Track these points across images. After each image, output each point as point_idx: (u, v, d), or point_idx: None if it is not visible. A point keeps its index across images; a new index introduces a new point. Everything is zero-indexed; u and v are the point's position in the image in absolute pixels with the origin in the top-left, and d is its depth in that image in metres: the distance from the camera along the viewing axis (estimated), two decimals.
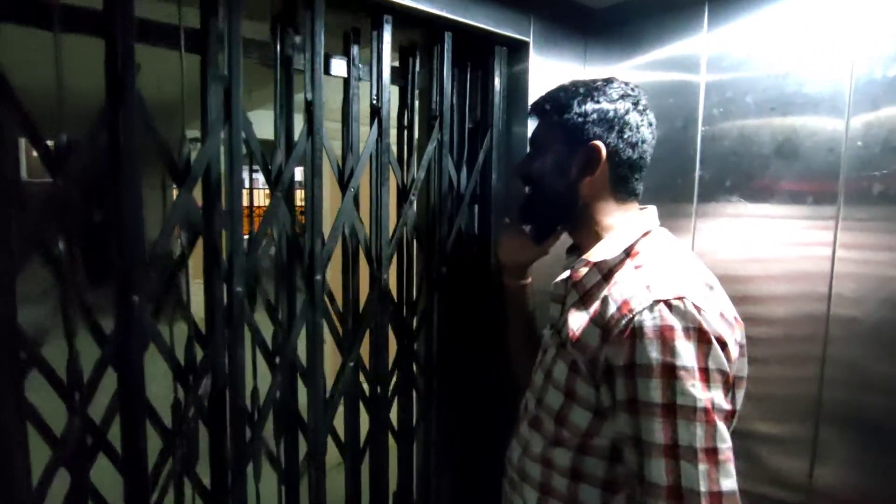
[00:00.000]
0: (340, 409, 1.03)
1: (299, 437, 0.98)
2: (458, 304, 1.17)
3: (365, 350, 1.04)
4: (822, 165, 0.89)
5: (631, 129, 0.77)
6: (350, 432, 1.05)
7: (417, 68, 1.09)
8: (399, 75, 1.09)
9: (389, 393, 1.08)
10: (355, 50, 0.99)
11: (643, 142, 0.79)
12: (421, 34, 1.08)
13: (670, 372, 0.62)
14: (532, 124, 0.89)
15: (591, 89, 0.79)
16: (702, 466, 0.60)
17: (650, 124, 0.80)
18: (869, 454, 0.85)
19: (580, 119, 0.77)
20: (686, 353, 0.62)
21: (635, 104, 0.78)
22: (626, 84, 0.80)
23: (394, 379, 1.10)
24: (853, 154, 0.85)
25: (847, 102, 0.86)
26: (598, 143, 0.76)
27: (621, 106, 0.77)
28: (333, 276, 0.95)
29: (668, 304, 0.63)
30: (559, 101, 0.81)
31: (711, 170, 1.02)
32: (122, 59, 0.71)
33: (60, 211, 0.70)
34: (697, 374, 0.62)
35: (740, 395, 0.75)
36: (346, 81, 0.99)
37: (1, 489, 0.68)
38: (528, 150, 0.88)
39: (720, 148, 1.01)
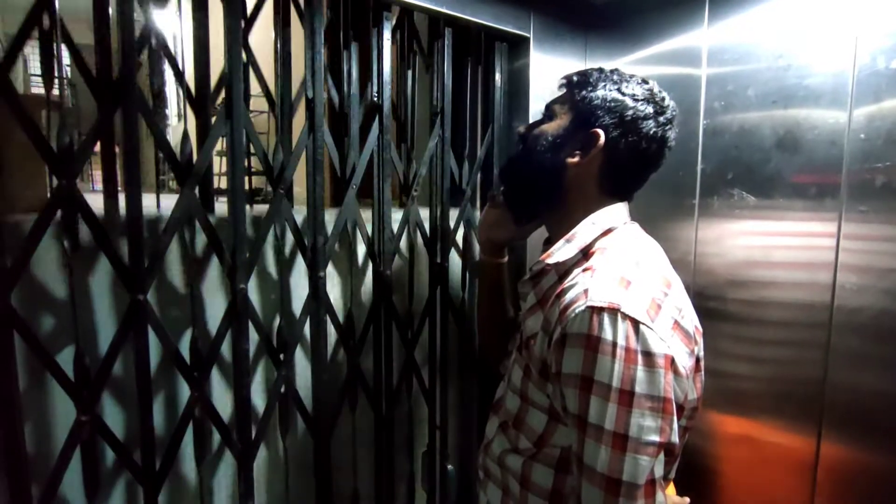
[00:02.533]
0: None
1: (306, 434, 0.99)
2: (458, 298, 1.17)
3: (368, 346, 1.05)
4: (824, 158, 0.88)
5: (639, 135, 0.73)
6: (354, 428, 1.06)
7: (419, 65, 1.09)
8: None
9: (394, 388, 1.09)
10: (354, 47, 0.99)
11: (648, 153, 0.74)
12: (421, 30, 1.08)
13: (586, 385, 0.58)
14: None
15: (621, 81, 0.75)
16: (598, 492, 0.57)
17: (665, 140, 0.75)
18: (873, 439, 0.85)
19: (595, 102, 0.74)
20: (606, 369, 0.57)
21: (657, 113, 0.74)
22: (659, 93, 0.76)
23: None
24: (856, 147, 0.85)
25: (850, 94, 0.86)
26: (599, 130, 0.72)
27: (641, 108, 0.73)
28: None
29: (600, 311, 0.59)
30: (587, 78, 0.77)
31: (713, 163, 1.02)
32: (123, 58, 0.72)
33: (65, 211, 0.71)
34: (615, 395, 0.57)
35: (690, 422, 0.70)
36: (347, 78, 0.99)
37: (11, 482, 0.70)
38: (543, 118, 0.82)
39: (722, 141, 1.01)
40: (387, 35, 0.97)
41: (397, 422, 1.10)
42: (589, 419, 0.58)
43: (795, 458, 0.93)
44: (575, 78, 0.78)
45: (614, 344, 0.58)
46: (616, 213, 0.75)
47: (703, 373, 0.72)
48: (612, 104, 0.73)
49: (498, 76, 1.16)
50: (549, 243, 0.83)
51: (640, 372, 0.57)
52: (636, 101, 0.73)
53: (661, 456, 0.58)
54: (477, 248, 1.19)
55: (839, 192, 0.87)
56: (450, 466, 1.22)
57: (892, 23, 0.81)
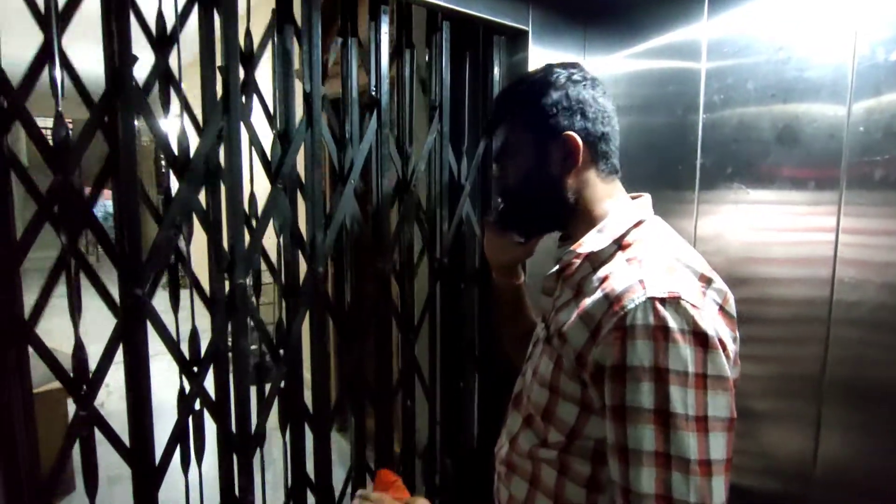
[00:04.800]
0: None
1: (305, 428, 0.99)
2: (459, 293, 1.17)
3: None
4: (823, 151, 0.88)
5: (591, 106, 0.75)
6: (356, 423, 1.06)
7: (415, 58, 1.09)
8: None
9: (394, 383, 1.09)
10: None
11: (605, 113, 0.76)
12: (419, 24, 1.07)
13: (663, 376, 0.58)
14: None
15: (536, 87, 0.76)
16: (693, 479, 0.57)
17: (604, 93, 0.78)
18: (872, 434, 0.85)
19: (541, 119, 0.75)
20: (681, 356, 0.59)
21: (582, 81, 0.76)
22: (565, 67, 0.78)
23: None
24: (855, 140, 0.85)
25: (849, 87, 0.85)
26: (569, 132, 0.74)
27: (572, 90, 0.75)
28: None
29: (662, 301, 0.60)
30: (512, 111, 0.79)
31: (712, 157, 1.02)
32: (120, 51, 0.72)
33: (61, 205, 0.71)
34: (693, 379, 0.59)
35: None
36: (344, 72, 0.99)
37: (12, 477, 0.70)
38: (497, 164, 0.84)
39: (721, 135, 1.00)
40: (385, 29, 0.97)
41: (397, 417, 1.10)
42: (672, 409, 0.58)
43: (796, 447, 0.93)
44: (501, 121, 0.81)
45: (682, 331, 0.59)
46: (645, 206, 0.77)
47: (738, 368, 0.73)
48: (555, 107, 0.74)
49: (496, 70, 1.16)
50: (565, 239, 0.84)
51: (708, 354, 0.60)
52: (563, 87, 0.75)
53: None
54: (478, 246, 1.19)
55: (838, 185, 0.86)
56: (448, 461, 1.22)
57: (892, 14, 0.81)
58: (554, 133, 0.74)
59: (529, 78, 0.79)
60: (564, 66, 0.78)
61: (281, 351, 0.94)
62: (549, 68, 0.78)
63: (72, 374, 0.74)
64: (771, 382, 0.96)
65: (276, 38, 0.90)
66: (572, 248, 0.75)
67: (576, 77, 0.76)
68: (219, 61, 0.83)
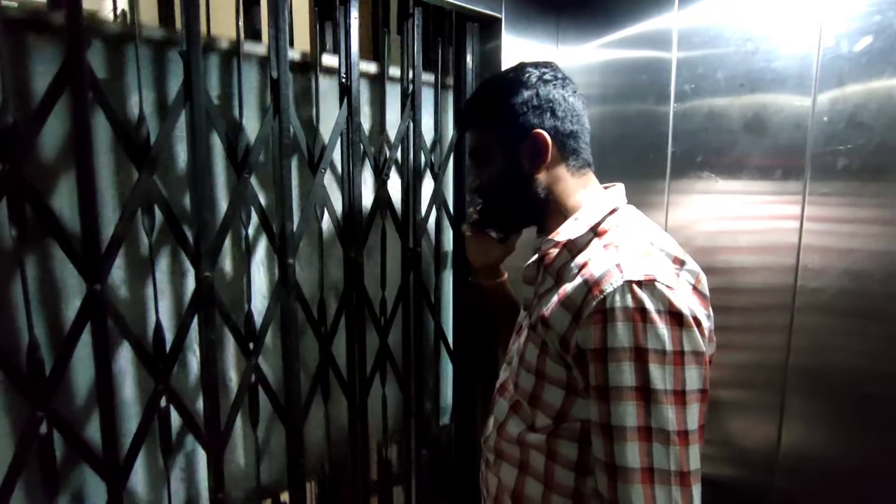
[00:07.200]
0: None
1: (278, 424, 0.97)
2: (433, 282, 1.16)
3: (340, 333, 1.03)
4: (789, 141, 0.90)
5: (560, 105, 0.77)
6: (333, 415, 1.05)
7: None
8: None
9: (367, 375, 1.08)
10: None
11: (574, 111, 0.78)
12: (391, 9, 1.05)
13: (643, 355, 0.61)
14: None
15: (507, 85, 0.78)
16: (673, 448, 0.60)
17: (574, 92, 0.79)
18: (834, 419, 0.88)
19: (511, 118, 0.77)
20: (659, 336, 0.61)
21: (553, 80, 0.78)
22: (537, 66, 0.79)
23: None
24: (819, 130, 0.87)
25: (814, 78, 0.87)
26: (538, 130, 0.76)
27: (542, 88, 0.77)
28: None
29: (639, 284, 0.63)
30: (483, 108, 0.81)
31: (683, 146, 1.03)
32: (72, 34, 0.68)
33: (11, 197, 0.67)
34: (671, 357, 0.61)
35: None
36: (315, 61, 0.96)
37: None
38: (471, 164, 0.85)
39: (691, 124, 1.01)
40: (354, 14, 0.94)
41: (371, 408, 1.09)
42: (652, 385, 0.61)
43: (759, 434, 0.96)
44: (472, 118, 0.83)
45: (659, 311, 0.62)
46: (618, 195, 0.79)
47: (714, 345, 0.75)
48: (525, 105, 0.76)
49: (469, 58, 1.14)
50: (542, 232, 0.85)
51: (684, 332, 0.62)
52: (533, 86, 0.77)
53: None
54: (452, 235, 1.18)
55: (803, 174, 0.88)
56: (423, 451, 1.22)
57: (856, 6, 0.82)
58: (524, 131, 0.76)
59: (502, 76, 0.81)
60: (537, 65, 0.79)
61: (251, 344, 0.92)
62: (521, 67, 0.79)
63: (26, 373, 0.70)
64: (737, 371, 0.98)
65: (240, 22, 0.87)
66: (550, 236, 0.77)
67: (547, 76, 0.77)
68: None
